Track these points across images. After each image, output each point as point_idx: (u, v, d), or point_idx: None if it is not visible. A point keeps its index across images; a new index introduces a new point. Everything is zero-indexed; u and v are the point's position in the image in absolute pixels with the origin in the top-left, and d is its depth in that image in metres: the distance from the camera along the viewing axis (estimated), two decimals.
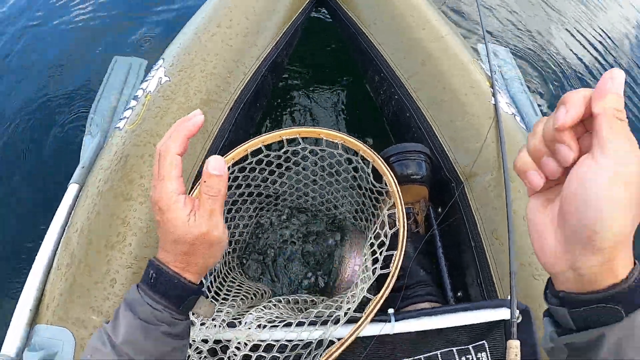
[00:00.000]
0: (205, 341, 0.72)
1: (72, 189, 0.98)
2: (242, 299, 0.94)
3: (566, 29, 2.26)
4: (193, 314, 0.53)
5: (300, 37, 1.38)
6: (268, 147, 0.83)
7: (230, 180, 0.91)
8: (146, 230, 0.88)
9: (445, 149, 1.05)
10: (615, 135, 0.29)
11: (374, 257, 0.84)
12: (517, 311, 0.72)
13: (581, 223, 0.30)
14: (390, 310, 0.73)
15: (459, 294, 1.00)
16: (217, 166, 0.43)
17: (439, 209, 1.09)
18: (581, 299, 0.33)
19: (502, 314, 0.72)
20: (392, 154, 0.97)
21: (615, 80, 0.30)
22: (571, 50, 2.15)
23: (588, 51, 2.18)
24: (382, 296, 0.68)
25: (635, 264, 0.32)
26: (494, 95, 1.11)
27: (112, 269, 0.83)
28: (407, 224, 0.77)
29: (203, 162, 0.97)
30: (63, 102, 1.67)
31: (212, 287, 0.93)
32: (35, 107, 1.64)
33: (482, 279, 0.94)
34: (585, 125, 0.33)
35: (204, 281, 0.91)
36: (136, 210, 0.88)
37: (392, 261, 0.70)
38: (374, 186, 0.87)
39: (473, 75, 1.14)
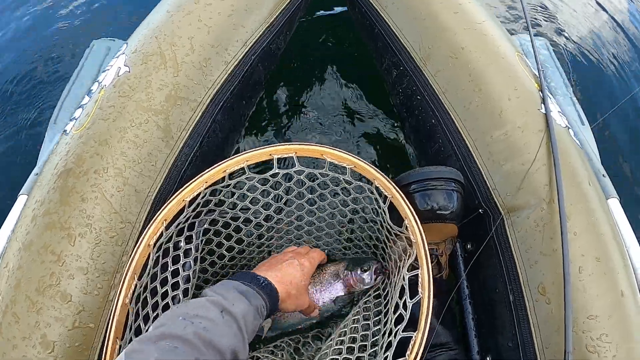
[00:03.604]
0: None
1: (20, 201, 0.79)
2: None
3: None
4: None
5: (301, 19, 1.12)
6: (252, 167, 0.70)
7: (201, 205, 0.71)
8: (86, 272, 0.67)
9: (482, 170, 0.82)
10: None
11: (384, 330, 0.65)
12: None
13: None
14: None
15: (487, 358, 0.79)
16: None
17: (468, 245, 0.86)
18: None
19: None
20: (414, 180, 0.73)
21: None
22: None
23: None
24: None
25: None
26: (543, 101, 0.86)
27: (42, 321, 0.65)
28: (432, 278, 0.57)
29: (164, 180, 0.76)
30: (31, 94, 1.45)
31: None
32: None
33: (520, 343, 0.73)
34: None
35: None
36: (74, 245, 0.68)
37: (410, 346, 0.50)
38: (391, 228, 0.66)
39: (518, 75, 0.89)
